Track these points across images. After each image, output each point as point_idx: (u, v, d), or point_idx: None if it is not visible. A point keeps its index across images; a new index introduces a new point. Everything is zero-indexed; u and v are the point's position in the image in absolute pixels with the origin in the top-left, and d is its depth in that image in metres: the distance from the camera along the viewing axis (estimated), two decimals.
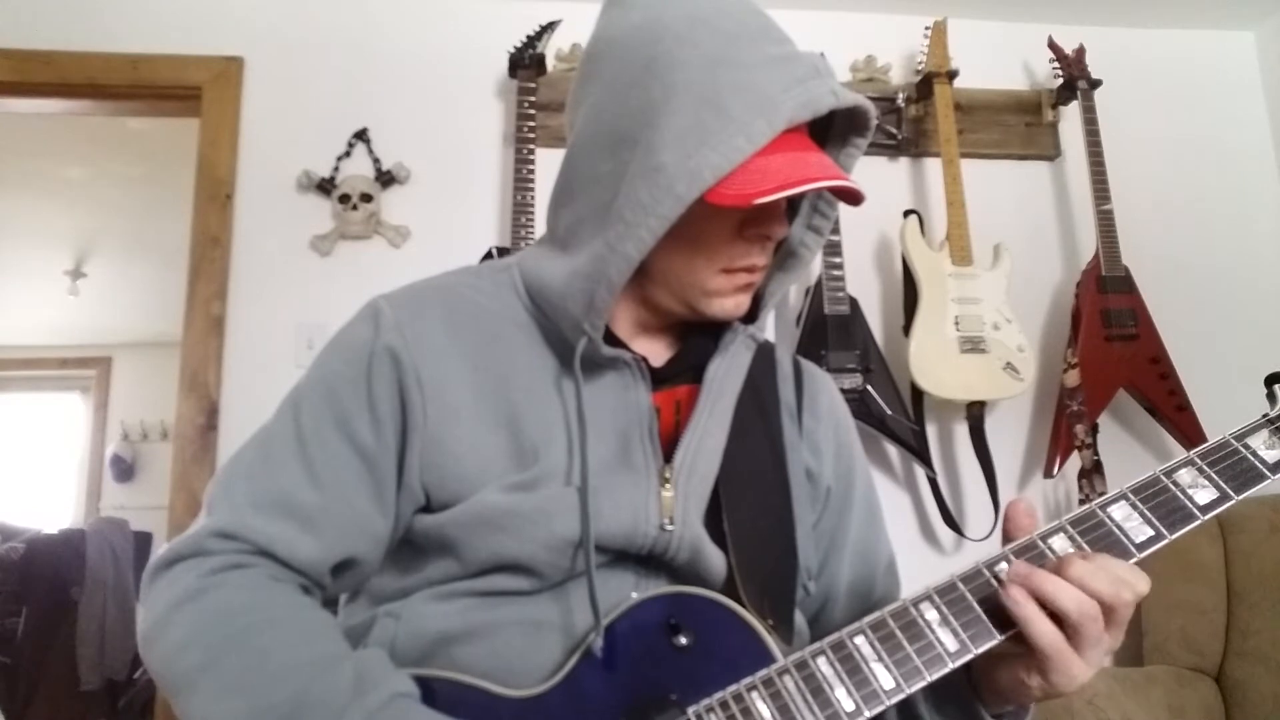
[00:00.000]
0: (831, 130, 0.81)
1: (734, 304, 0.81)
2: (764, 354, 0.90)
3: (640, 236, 0.71)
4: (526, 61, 2.18)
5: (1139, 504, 0.70)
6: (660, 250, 0.74)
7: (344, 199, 2.20)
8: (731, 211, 0.75)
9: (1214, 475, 0.70)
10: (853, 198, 0.75)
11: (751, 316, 0.85)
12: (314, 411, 0.79)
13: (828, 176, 0.71)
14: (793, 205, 0.85)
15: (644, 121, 0.72)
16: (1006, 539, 0.71)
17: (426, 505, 0.79)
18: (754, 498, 0.83)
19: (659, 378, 0.82)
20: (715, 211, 0.73)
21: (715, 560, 0.78)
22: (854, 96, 0.74)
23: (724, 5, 0.75)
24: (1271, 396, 0.74)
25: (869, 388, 2.03)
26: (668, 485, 0.77)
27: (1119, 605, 0.64)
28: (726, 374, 0.84)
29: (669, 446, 0.80)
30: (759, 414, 0.87)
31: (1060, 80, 2.35)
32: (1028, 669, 0.67)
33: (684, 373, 0.84)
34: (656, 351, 0.85)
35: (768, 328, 0.89)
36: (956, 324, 2.08)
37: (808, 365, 0.97)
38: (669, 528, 0.76)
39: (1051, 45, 2.36)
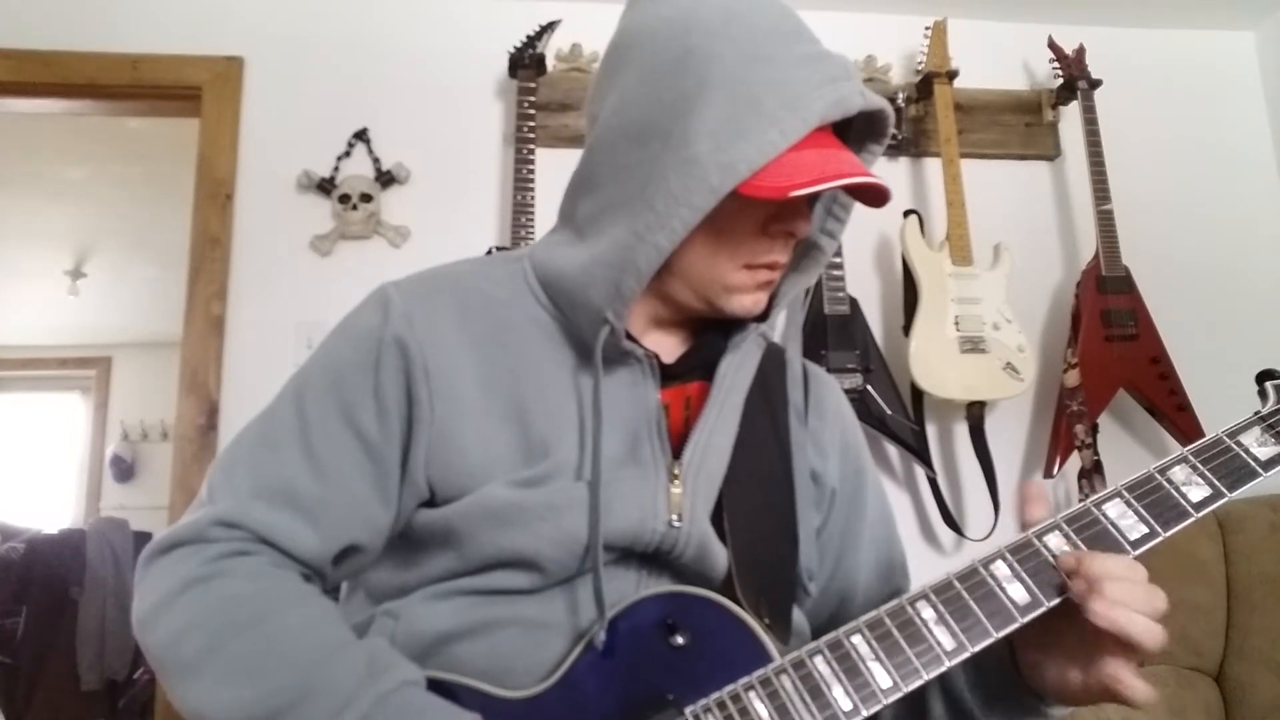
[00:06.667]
0: (849, 134, 0.80)
1: (753, 301, 0.80)
2: (774, 355, 0.90)
3: (673, 227, 0.71)
4: (526, 61, 2.18)
5: (1133, 501, 0.70)
6: (683, 244, 0.73)
7: (344, 199, 2.20)
8: (758, 207, 0.74)
9: (1207, 473, 0.70)
10: (880, 196, 0.75)
11: (763, 316, 0.85)
12: (318, 399, 0.78)
13: (859, 173, 0.72)
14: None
15: (677, 113, 0.72)
16: (1024, 520, 0.72)
17: (430, 499, 0.78)
18: (758, 496, 0.83)
19: (670, 374, 0.81)
20: (742, 206, 0.73)
21: (720, 558, 0.78)
22: (879, 100, 0.75)
23: (756, 2, 0.75)
24: (1263, 393, 0.75)
25: (869, 388, 2.03)
26: (676, 481, 0.77)
27: None
28: (737, 372, 0.84)
29: (678, 443, 0.79)
30: (767, 413, 0.86)
31: (1060, 80, 2.35)
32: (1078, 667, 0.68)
33: (695, 370, 0.83)
34: (669, 348, 0.84)
35: (778, 329, 0.89)
36: (956, 324, 2.08)
37: (814, 369, 0.97)
38: (677, 524, 0.75)
39: (1051, 45, 2.36)
